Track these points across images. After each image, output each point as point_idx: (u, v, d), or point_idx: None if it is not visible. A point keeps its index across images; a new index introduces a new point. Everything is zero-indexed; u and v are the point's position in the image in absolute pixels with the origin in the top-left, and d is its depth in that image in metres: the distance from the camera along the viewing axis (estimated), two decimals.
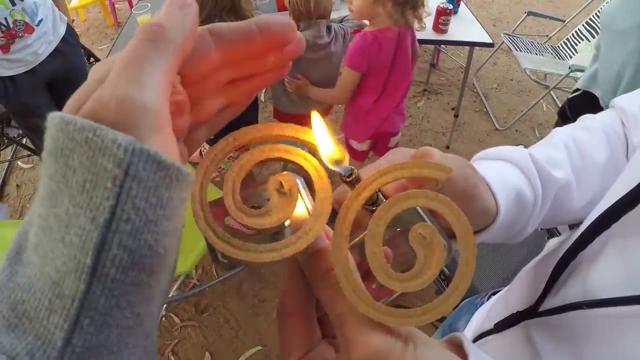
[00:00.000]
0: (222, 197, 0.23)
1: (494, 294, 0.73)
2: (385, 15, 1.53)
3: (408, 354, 0.22)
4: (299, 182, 0.25)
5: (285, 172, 0.24)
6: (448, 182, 0.31)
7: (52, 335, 0.17)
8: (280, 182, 0.23)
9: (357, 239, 0.26)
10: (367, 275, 0.24)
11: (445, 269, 0.27)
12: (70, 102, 0.19)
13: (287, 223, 0.25)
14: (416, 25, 1.64)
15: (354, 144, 1.90)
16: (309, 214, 0.24)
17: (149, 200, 0.17)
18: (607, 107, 0.53)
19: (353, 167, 0.25)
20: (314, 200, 0.23)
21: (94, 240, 0.16)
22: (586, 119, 0.54)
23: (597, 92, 1.70)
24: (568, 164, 0.46)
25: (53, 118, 0.18)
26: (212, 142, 0.24)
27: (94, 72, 0.20)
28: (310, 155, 0.24)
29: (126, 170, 0.16)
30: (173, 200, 0.18)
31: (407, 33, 1.62)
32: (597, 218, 0.38)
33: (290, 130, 0.24)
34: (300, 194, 0.26)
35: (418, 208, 0.26)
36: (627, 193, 0.35)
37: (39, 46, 1.70)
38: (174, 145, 0.20)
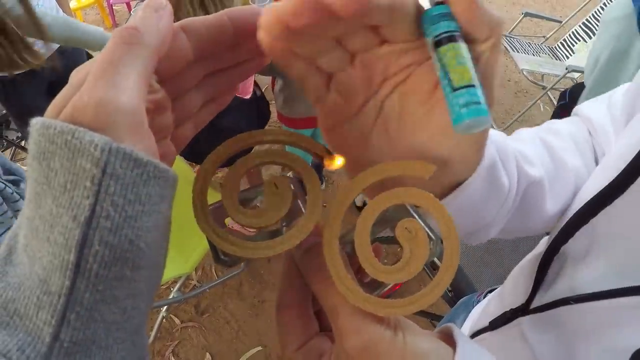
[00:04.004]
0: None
1: (490, 292, 0.74)
2: None
3: (397, 341, 0.24)
4: (294, 183, 0.27)
5: (282, 174, 0.26)
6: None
7: (41, 331, 0.18)
8: (274, 184, 0.24)
9: (349, 235, 0.28)
10: (361, 268, 0.25)
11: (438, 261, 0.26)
12: (51, 107, 0.19)
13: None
14: None
15: None
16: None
17: (127, 197, 0.18)
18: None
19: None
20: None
21: (76, 237, 0.17)
22: (550, 124, 0.51)
23: None
24: (539, 161, 0.43)
25: (35, 123, 0.18)
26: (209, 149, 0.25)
27: (74, 76, 0.20)
28: (301, 158, 0.25)
29: (104, 169, 0.17)
30: (152, 197, 0.19)
31: None
32: (574, 214, 0.39)
33: (283, 136, 0.26)
34: (298, 195, 0.27)
35: (407, 205, 0.28)
36: (604, 187, 0.35)
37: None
38: (152, 144, 0.20)
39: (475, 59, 0.23)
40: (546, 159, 0.44)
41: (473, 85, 0.21)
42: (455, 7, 0.21)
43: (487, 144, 0.30)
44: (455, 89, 0.21)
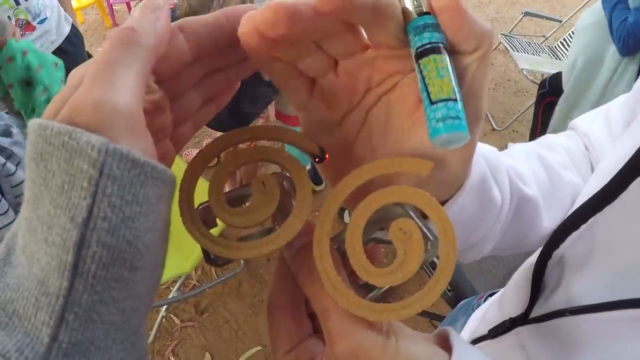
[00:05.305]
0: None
1: (491, 295, 0.73)
2: None
3: (389, 347, 0.23)
4: (288, 181, 0.26)
5: (272, 173, 0.25)
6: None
7: (39, 332, 0.18)
8: (262, 182, 0.24)
9: (343, 235, 0.27)
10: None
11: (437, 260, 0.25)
12: (49, 108, 0.19)
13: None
14: None
15: None
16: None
17: (124, 198, 0.18)
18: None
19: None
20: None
21: (73, 238, 0.17)
22: (546, 139, 0.51)
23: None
24: (534, 178, 0.42)
25: (32, 124, 0.18)
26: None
27: (71, 77, 0.20)
28: (290, 154, 0.25)
29: (101, 170, 0.17)
30: (149, 197, 0.19)
31: None
32: (566, 218, 0.38)
33: (276, 132, 0.25)
34: (291, 194, 0.26)
35: (403, 204, 0.27)
36: (595, 193, 0.35)
37: (40, 44, 1.71)
38: (150, 144, 0.20)
39: (461, 73, 0.22)
40: (542, 175, 0.43)
41: (452, 99, 0.20)
42: (441, 17, 0.20)
43: (476, 158, 0.30)
44: (433, 102, 0.20)
